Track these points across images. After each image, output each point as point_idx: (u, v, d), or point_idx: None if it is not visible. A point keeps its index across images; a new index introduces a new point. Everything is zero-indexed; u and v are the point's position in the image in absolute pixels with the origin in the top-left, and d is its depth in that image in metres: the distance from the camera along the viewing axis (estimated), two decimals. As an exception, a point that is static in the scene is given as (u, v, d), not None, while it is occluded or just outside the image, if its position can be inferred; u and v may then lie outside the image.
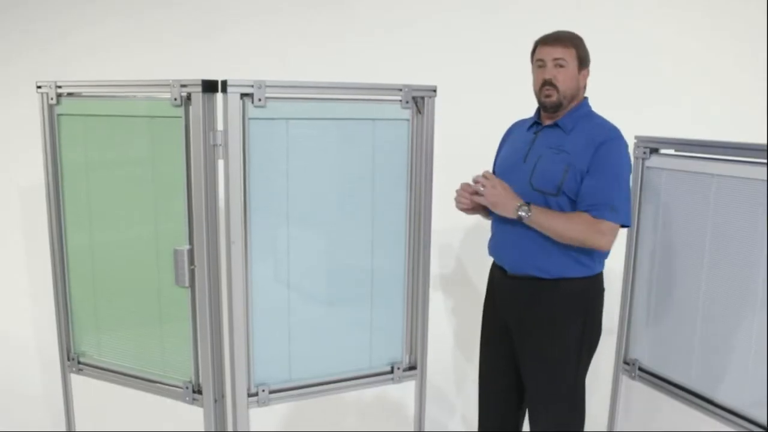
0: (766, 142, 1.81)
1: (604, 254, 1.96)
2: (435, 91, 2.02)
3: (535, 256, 1.92)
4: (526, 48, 1.99)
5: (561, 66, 1.89)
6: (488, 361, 2.19)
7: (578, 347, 1.98)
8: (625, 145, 1.90)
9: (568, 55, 1.89)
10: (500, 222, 2.01)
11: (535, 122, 2.02)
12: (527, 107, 2.07)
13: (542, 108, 1.98)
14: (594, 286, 1.98)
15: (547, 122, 1.98)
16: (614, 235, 1.86)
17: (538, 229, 1.87)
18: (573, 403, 2.03)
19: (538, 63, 1.93)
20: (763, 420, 1.84)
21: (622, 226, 1.88)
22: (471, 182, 1.96)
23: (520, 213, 1.85)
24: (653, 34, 3.40)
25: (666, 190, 2.10)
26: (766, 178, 1.78)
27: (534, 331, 1.98)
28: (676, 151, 2.10)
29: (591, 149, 1.86)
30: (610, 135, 1.88)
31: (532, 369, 2.02)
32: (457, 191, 2.01)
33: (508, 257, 2.01)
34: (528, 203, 1.86)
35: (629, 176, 1.90)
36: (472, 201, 1.96)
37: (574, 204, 1.88)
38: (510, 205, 1.87)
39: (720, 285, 1.93)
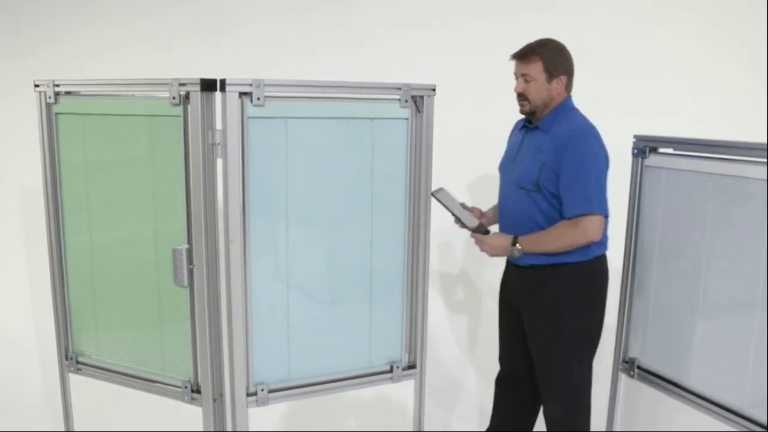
0: (765, 141, 1.81)
1: (601, 239, 2.01)
2: (434, 90, 2.02)
3: None
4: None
5: (527, 81, 2.01)
6: (505, 349, 2.32)
7: (580, 331, 2.06)
8: (592, 141, 1.96)
9: (533, 69, 1.99)
10: (503, 215, 2.16)
11: (525, 124, 2.14)
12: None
13: None
14: (593, 269, 2.06)
15: (534, 123, 2.09)
16: (598, 224, 1.93)
17: (536, 252, 2.01)
18: (578, 389, 2.10)
19: (514, 75, 2.06)
20: (763, 419, 1.83)
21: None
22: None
23: (513, 251, 2.01)
24: (652, 34, 3.39)
25: (665, 189, 2.10)
26: (765, 178, 1.78)
27: (539, 315, 2.09)
28: (674, 150, 2.10)
29: (558, 149, 1.95)
30: (574, 133, 1.97)
31: (538, 350, 2.13)
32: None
33: None
34: (515, 238, 2.01)
35: (601, 169, 1.96)
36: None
37: (553, 197, 1.98)
38: (504, 250, 2.04)
39: (719, 283, 1.93)
